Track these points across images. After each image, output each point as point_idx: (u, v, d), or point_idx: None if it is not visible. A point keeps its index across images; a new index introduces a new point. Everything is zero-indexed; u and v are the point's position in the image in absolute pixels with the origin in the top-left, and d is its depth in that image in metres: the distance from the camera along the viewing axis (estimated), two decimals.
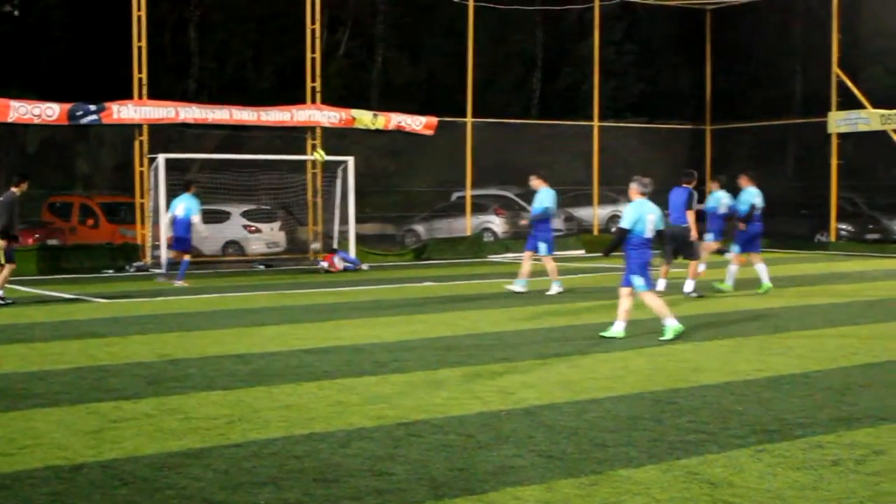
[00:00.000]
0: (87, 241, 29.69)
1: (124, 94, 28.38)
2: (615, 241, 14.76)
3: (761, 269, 20.84)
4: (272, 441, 8.52)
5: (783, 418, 9.32)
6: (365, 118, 31.78)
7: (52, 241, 29.49)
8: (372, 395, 10.45)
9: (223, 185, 29.34)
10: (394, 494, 7.10)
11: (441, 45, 44.18)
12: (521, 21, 44.10)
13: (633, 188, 14.67)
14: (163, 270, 24.40)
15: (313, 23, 31.10)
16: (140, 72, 28.28)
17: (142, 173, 28.13)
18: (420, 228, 35.75)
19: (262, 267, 28.54)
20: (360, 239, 29.92)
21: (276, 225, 31.69)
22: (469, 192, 34.33)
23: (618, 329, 14.39)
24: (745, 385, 10.96)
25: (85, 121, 27.64)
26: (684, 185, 20.09)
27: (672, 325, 14.29)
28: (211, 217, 29.24)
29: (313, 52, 31.08)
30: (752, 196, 20.93)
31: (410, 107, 34.84)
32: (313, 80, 31.04)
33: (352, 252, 28.29)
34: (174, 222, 23.49)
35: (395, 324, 16.11)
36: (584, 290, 21.42)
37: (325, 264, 26.48)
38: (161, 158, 26.67)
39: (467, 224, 34.39)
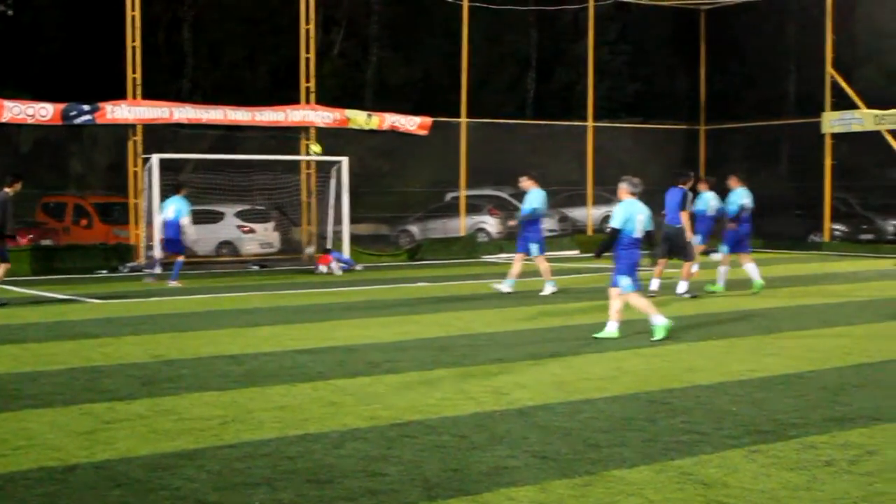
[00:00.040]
0: (80, 241, 29.66)
1: (118, 94, 28.35)
2: (606, 241, 14.74)
3: (751, 269, 20.88)
4: (266, 442, 8.51)
5: (777, 419, 9.33)
6: (359, 118, 31.77)
7: (46, 242, 29.46)
8: (366, 395, 10.45)
9: (217, 186, 29.32)
10: (387, 495, 7.10)
11: (435, 45, 44.19)
12: (515, 21, 44.11)
13: (623, 188, 14.68)
14: (151, 271, 24.35)
15: (307, 23, 31.07)
16: (134, 72, 28.26)
17: (136, 173, 28.10)
18: (414, 229, 35.73)
19: (256, 267, 28.51)
20: (355, 239, 29.91)
21: (271, 225, 31.67)
22: (463, 193, 34.33)
23: (611, 330, 14.39)
24: (739, 385, 10.96)
25: (79, 121, 27.62)
26: (679, 186, 20.11)
27: (661, 323, 14.28)
28: (205, 217, 29.25)
29: (307, 52, 31.05)
30: (740, 197, 20.99)
31: (405, 107, 34.85)
32: (307, 80, 31.02)
33: (346, 252, 28.27)
34: (165, 224, 23.49)
35: (389, 324, 16.10)
36: (578, 291, 21.42)
37: (323, 268, 26.41)
38: (155, 159, 26.64)
39: (461, 224, 34.39)
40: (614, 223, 14.39)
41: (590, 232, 36.29)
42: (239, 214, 31.16)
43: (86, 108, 27.34)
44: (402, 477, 7.50)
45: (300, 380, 11.26)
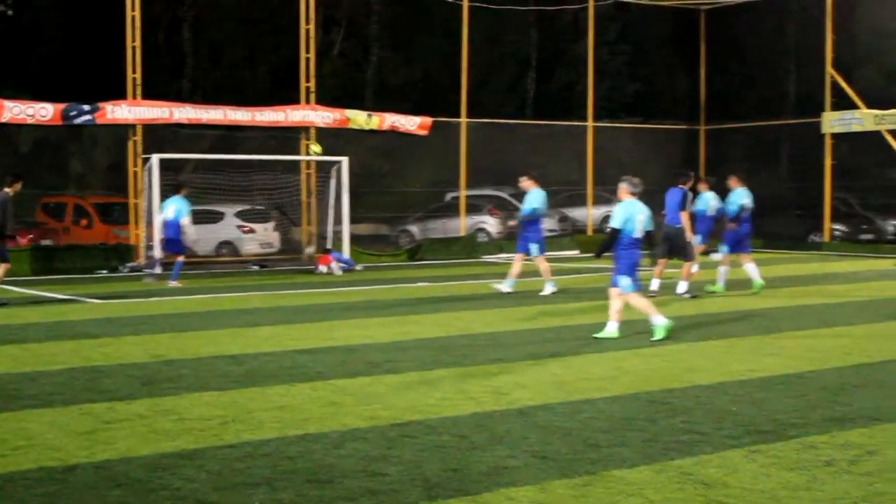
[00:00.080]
0: (80, 241, 29.64)
1: (118, 94, 28.35)
2: (606, 241, 14.72)
3: (751, 269, 20.90)
4: (266, 442, 8.51)
5: (777, 419, 9.33)
6: (359, 118, 31.77)
7: (46, 242, 29.45)
8: (365, 395, 10.45)
9: (217, 186, 29.31)
10: (387, 495, 7.10)
11: (435, 45, 44.17)
12: (515, 21, 44.10)
13: (623, 188, 14.67)
14: (151, 271, 24.33)
15: (308, 23, 31.07)
16: (134, 72, 28.26)
17: (135, 173, 28.10)
18: (414, 229, 35.73)
19: (256, 267, 28.50)
20: (355, 239, 29.90)
21: (271, 225, 31.66)
22: (463, 193, 34.33)
23: (611, 330, 14.38)
24: (739, 385, 10.96)
25: (79, 121, 27.62)
26: (679, 186, 20.10)
27: (661, 323, 14.28)
28: (205, 217, 29.24)
29: (307, 52, 31.05)
30: (740, 197, 21.00)
31: (405, 107, 34.85)
32: (308, 80, 31.02)
33: (346, 252, 28.27)
34: (165, 224, 23.50)
35: (389, 324, 16.10)
36: (578, 291, 21.42)
37: (323, 268, 26.39)
38: (155, 159, 26.63)
39: (461, 224, 34.38)
40: (614, 223, 14.39)
41: (590, 232, 36.29)
42: (239, 214, 31.15)
43: (86, 108, 27.35)
44: (402, 477, 7.49)
45: (300, 380, 11.26)
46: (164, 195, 24.94)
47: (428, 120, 32.87)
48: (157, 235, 24.79)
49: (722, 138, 39.36)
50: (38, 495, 7.10)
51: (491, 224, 35.87)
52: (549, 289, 20.69)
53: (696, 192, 21.43)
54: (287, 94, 32.18)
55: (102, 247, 28.29)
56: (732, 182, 21.31)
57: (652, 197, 23.45)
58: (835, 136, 35.04)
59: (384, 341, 14.19)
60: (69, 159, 37.67)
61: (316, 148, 28.62)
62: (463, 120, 33.99)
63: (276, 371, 11.84)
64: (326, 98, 32.66)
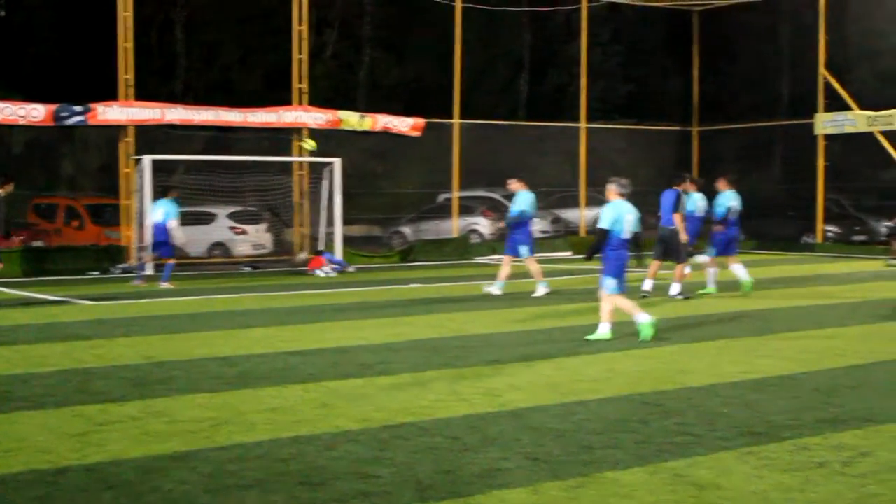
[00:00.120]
0: (72, 242, 29.54)
1: (110, 94, 28.29)
2: (596, 242, 14.67)
3: (739, 270, 20.95)
4: (258, 444, 8.49)
5: (770, 420, 9.32)
6: (352, 119, 31.75)
7: (37, 243, 29.37)
8: (358, 397, 10.43)
9: (209, 187, 29.24)
10: (380, 497, 7.08)
11: (428, 46, 44.11)
12: (508, 22, 44.08)
13: (612, 189, 14.67)
14: (140, 273, 24.23)
15: (300, 24, 31.05)
16: (126, 73, 28.20)
17: (127, 175, 28.04)
18: (407, 230, 35.71)
19: (248, 269, 28.45)
20: (347, 240, 29.88)
21: (263, 227, 31.61)
22: (456, 194, 34.31)
23: (603, 331, 14.37)
24: (732, 387, 10.96)
25: (70, 122, 27.56)
26: (674, 188, 20.09)
27: (646, 321, 14.26)
28: (197, 219, 29.19)
29: (300, 53, 31.03)
30: (728, 199, 21.05)
31: (397, 108, 34.82)
32: (300, 81, 31.00)
33: (338, 254, 28.25)
34: (154, 227, 23.41)
35: (382, 326, 16.08)
36: (571, 292, 21.41)
37: (320, 273, 26.33)
38: (147, 160, 26.60)
39: (454, 226, 34.37)
40: (603, 224, 14.38)
41: (583, 233, 36.27)
42: (231, 216, 31.10)
43: (77, 109, 27.29)
44: (394, 479, 7.48)
45: (292, 381, 11.24)
46: (156, 196, 24.88)
47: (421, 121, 32.87)
48: (146, 238, 24.69)
49: (715, 140, 39.39)
50: (28, 498, 7.08)
51: (483, 225, 35.86)
52: (541, 290, 20.69)
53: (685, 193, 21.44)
54: (280, 96, 32.14)
55: (94, 248, 28.22)
56: (721, 184, 21.35)
57: (645, 198, 23.48)
58: (828, 137, 35.09)
59: (376, 343, 14.18)
60: (61, 160, 37.60)
61: (308, 145, 28.51)
62: (456, 121, 33.98)
63: (268, 373, 11.82)
64: (319, 99, 32.63)
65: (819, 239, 35.31)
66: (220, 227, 30.88)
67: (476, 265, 30.25)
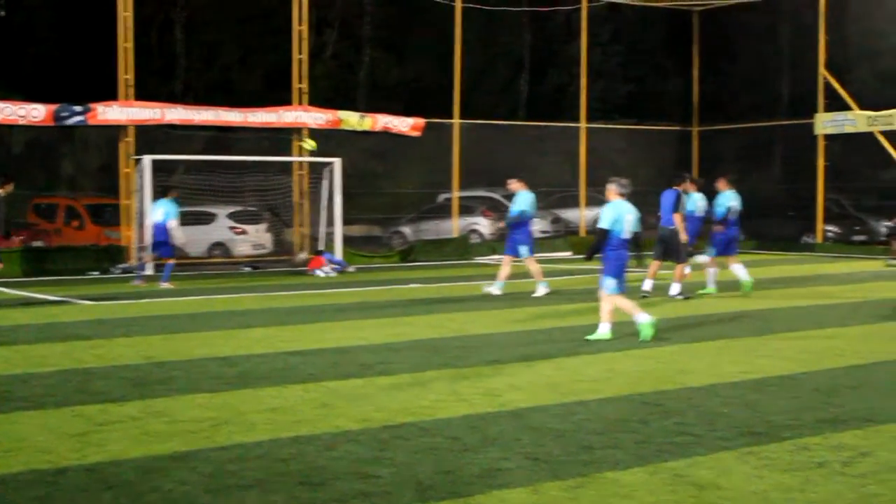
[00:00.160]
0: (72, 242, 29.52)
1: (110, 94, 28.28)
2: (596, 242, 14.64)
3: (739, 270, 20.96)
4: (258, 444, 8.49)
5: (770, 420, 9.32)
6: (352, 119, 31.74)
7: (37, 243, 29.36)
8: (358, 397, 10.42)
9: (209, 187, 29.23)
10: (380, 497, 7.08)
11: (428, 46, 44.09)
12: (508, 22, 44.07)
13: (612, 189, 14.66)
14: (140, 273, 24.17)
15: (300, 24, 31.05)
16: (126, 73, 28.20)
17: (127, 175, 28.03)
18: (407, 230, 35.70)
19: (248, 269, 28.45)
20: (347, 240, 29.86)
21: (263, 227, 31.60)
22: (456, 194, 34.31)
23: (603, 331, 14.36)
24: (732, 387, 10.95)
25: (70, 122, 27.56)
26: (674, 188, 20.08)
27: (646, 321, 14.25)
28: (197, 219, 29.18)
29: (300, 53, 31.03)
30: (728, 199, 21.05)
31: (397, 108, 34.81)
32: (300, 81, 31.00)
33: (338, 254, 28.24)
34: (154, 228, 23.38)
35: (382, 326, 16.08)
36: (571, 292, 21.41)
37: (320, 273, 26.31)
38: (147, 160, 26.59)
39: (454, 226, 34.36)
40: (603, 223, 14.38)
41: (583, 233, 36.26)
42: (231, 216, 31.08)
43: (77, 109, 27.29)
44: (394, 479, 7.48)
45: (292, 381, 11.23)
46: (156, 196, 24.86)
47: (421, 121, 32.86)
48: (146, 238, 24.65)
49: (715, 140, 39.38)
50: (28, 498, 7.08)
51: (484, 225, 35.84)
52: (541, 290, 20.68)
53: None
54: (280, 96, 32.13)
55: (94, 248, 28.20)
56: (721, 184, 21.36)
57: (645, 198, 23.46)
58: (828, 137, 35.08)
59: (377, 343, 14.17)
60: (61, 160, 37.58)
61: (308, 145, 28.48)
62: (456, 121, 33.98)
63: (268, 373, 11.81)
64: (319, 99, 32.62)
65: (819, 239, 35.30)
66: (220, 227, 30.86)
67: (476, 265, 30.23)
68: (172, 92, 39.55)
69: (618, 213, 14.35)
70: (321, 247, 28.46)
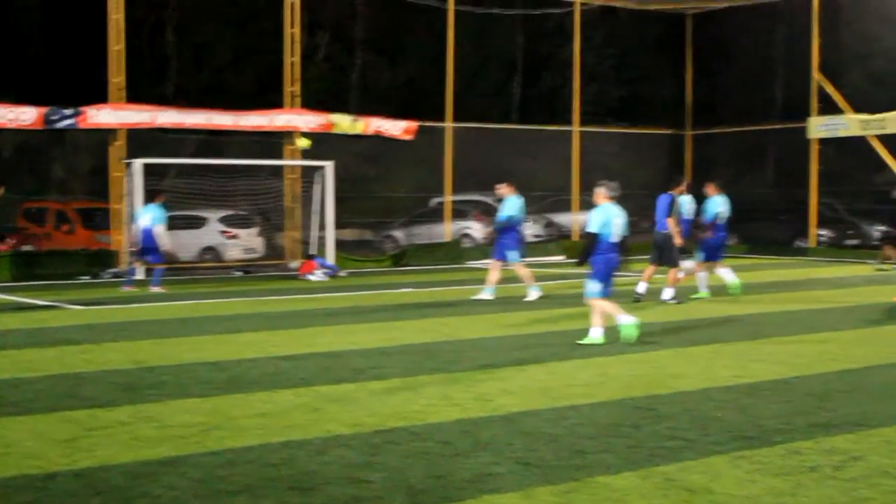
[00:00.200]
0: (62, 246, 29.45)
1: (101, 97, 28.22)
2: (587, 247, 14.56)
3: (726, 273, 20.96)
4: (248, 449, 8.45)
5: (762, 424, 9.30)
6: (344, 123, 31.71)
7: (27, 247, 29.28)
8: (349, 402, 10.38)
9: (200, 191, 29.14)
10: (371, 502, 7.05)
11: (421, 49, 44.10)
12: (501, 25, 44.06)
13: (601, 192, 14.61)
14: (130, 277, 23.97)
15: (293, 26, 31.03)
16: (117, 75, 28.14)
17: (118, 178, 27.94)
18: (399, 234, 35.67)
19: (239, 273, 28.40)
20: (339, 245, 29.82)
21: (254, 231, 31.53)
22: (448, 198, 34.28)
23: (595, 335, 14.33)
24: (724, 391, 10.93)
25: (61, 125, 27.48)
26: (669, 192, 20.05)
27: (629, 322, 14.20)
28: (188, 223, 29.11)
29: (292, 55, 31.01)
30: (717, 205, 21.05)
31: (390, 111, 34.77)
32: (292, 84, 30.96)
33: (330, 258, 28.20)
34: (142, 233, 23.19)
35: (374, 330, 16.05)
36: (563, 297, 21.38)
37: (311, 277, 26.27)
38: (137, 163, 26.53)
39: (446, 230, 34.33)
40: (592, 227, 14.34)
41: (575, 237, 36.24)
42: (222, 220, 31.01)
43: (68, 112, 27.21)
44: (385, 484, 7.44)
45: (283, 386, 11.19)
46: (148, 200, 24.77)
47: (413, 124, 32.84)
48: (132, 244, 24.53)
49: (708, 143, 39.42)
50: (17, 503, 7.03)
51: (476, 229, 35.80)
52: (533, 294, 20.64)
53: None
54: (272, 98, 32.10)
55: (84, 252, 28.12)
56: (710, 189, 21.36)
57: (639, 202, 23.48)
58: (821, 141, 35.12)
59: (368, 347, 14.13)
60: (51, 164, 37.50)
61: (302, 143, 28.40)
62: (448, 124, 33.96)
63: (258, 377, 11.77)
64: (311, 102, 32.57)
65: (812, 243, 35.32)
66: (212, 232, 30.79)
67: (468, 269, 30.20)
68: (164, 95, 39.47)
69: (606, 217, 14.31)
70: (313, 251, 28.41)
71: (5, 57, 39.80)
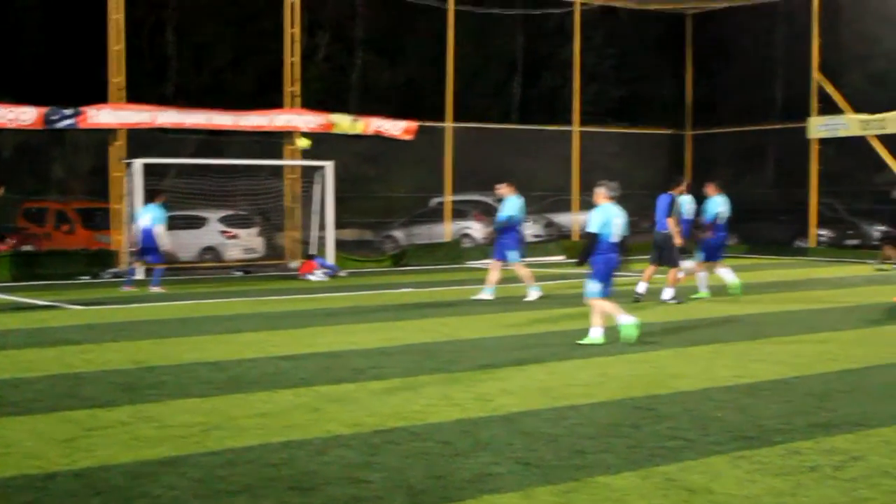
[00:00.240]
0: (62, 246, 29.44)
1: (101, 97, 28.21)
2: (587, 247, 14.54)
3: (726, 274, 20.96)
4: (248, 449, 8.44)
5: (762, 424, 9.29)
6: (344, 123, 31.70)
7: (27, 247, 29.27)
8: (349, 402, 10.38)
9: (200, 191, 29.12)
10: (371, 502, 7.05)
11: (421, 49, 44.09)
12: (501, 25, 44.04)
13: (601, 192, 14.60)
14: (130, 277, 23.93)
15: (293, 26, 31.02)
16: (117, 75, 28.13)
17: (118, 178, 27.93)
18: (399, 234, 35.66)
19: (239, 273, 28.40)
20: (339, 245, 29.81)
21: (254, 231, 31.52)
22: (448, 198, 34.27)
23: (595, 335, 14.32)
24: (725, 391, 10.93)
25: (61, 125, 27.47)
26: (669, 192, 20.05)
27: (629, 322, 14.20)
28: (188, 223, 29.10)
29: (292, 55, 31.00)
30: (716, 205, 21.05)
31: (390, 111, 34.77)
32: (292, 84, 30.96)
33: (330, 258, 28.19)
34: (142, 233, 23.17)
35: (374, 330, 16.04)
36: (564, 297, 21.37)
37: (311, 277, 26.26)
38: (137, 163, 26.52)
39: (446, 230, 34.32)
40: (592, 227, 14.34)
41: (576, 237, 36.23)
42: (222, 220, 31.00)
43: (68, 112, 27.20)
44: (385, 484, 7.44)
45: (283, 386, 11.19)
46: (148, 200, 24.76)
47: (413, 124, 32.83)
48: (132, 244, 24.52)
49: (708, 143, 39.41)
50: (17, 503, 7.02)
51: (476, 229, 35.78)
52: (533, 294, 20.64)
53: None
54: (272, 98, 32.09)
55: (84, 252, 28.11)
56: (710, 189, 21.34)
57: (639, 202, 23.46)
58: (821, 141, 35.11)
59: (368, 347, 14.13)
60: (51, 164, 37.48)
61: (302, 143, 28.39)
62: (448, 124, 33.95)
63: (258, 377, 11.77)
64: (311, 102, 32.56)
65: (812, 243, 35.31)
66: (212, 232, 30.78)
67: (468, 269, 30.19)
68: (164, 95, 39.46)
69: (606, 217, 14.31)
70: (313, 251, 28.40)
71: (5, 57, 39.78)
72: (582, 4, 36.90)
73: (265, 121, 30.40)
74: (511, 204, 20.75)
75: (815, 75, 34.98)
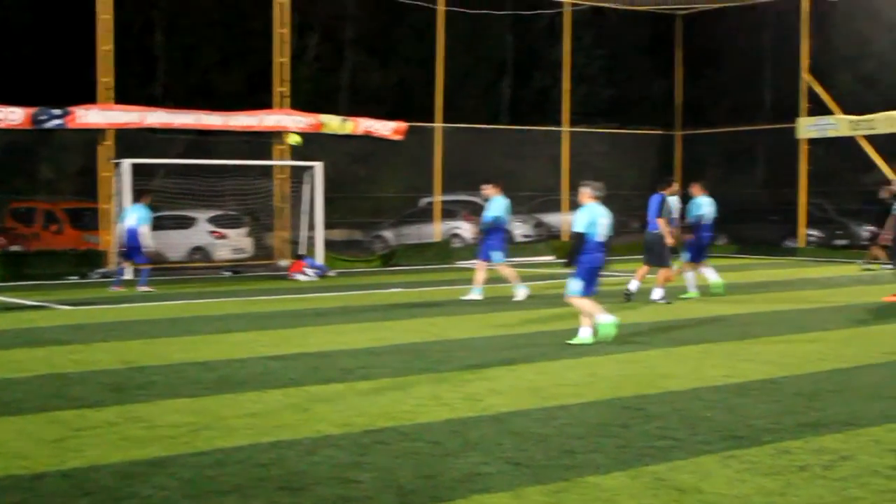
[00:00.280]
0: (50, 247, 29.38)
1: (89, 98, 28.15)
2: (574, 247, 14.54)
3: (708, 272, 21.01)
4: (238, 449, 8.43)
5: (751, 424, 9.30)
6: (333, 123, 31.68)
7: (15, 248, 29.19)
8: (339, 402, 10.37)
9: (189, 191, 29.07)
10: (360, 502, 7.04)
11: (410, 49, 44.08)
12: (491, 25, 44.06)
13: (586, 192, 14.61)
14: (119, 278, 23.86)
15: (282, 27, 30.98)
16: (106, 75, 28.07)
17: (107, 179, 27.86)
18: (388, 234, 35.65)
19: (228, 273, 28.36)
20: (328, 245, 29.79)
21: (243, 231, 31.48)
22: (438, 198, 34.26)
23: (584, 335, 14.32)
24: (714, 391, 10.94)
25: (49, 125, 27.39)
26: (659, 192, 20.06)
27: (607, 321, 14.19)
28: (177, 223, 29.05)
29: (282, 56, 30.96)
30: (700, 206, 21.07)
31: (379, 111, 34.76)
32: (281, 84, 30.92)
33: (320, 258, 28.17)
34: (127, 233, 23.11)
35: (363, 330, 16.03)
36: (553, 297, 21.35)
37: (301, 277, 26.23)
38: (126, 164, 26.46)
39: (436, 230, 34.31)
40: (578, 227, 14.35)
41: (565, 238, 36.24)
42: (211, 220, 30.96)
43: (56, 112, 27.13)
44: (375, 484, 7.43)
45: (273, 386, 11.17)
46: (136, 200, 24.69)
47: (403, 125, 32.81)
48: (118, 244, 24.45)
49: (697, 144, 39.46)
50: None
51: (465, 229, 35.77)
52: (521, 293, 20.64)
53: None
54: (261, 99, 32.04)
55: (72, 253, 28.05)
56: (695, 190, 21.36)
57: (629, 202, 23.49)
58: (810, 141, 35.19)
59: (358, 347, 14.12)
60: (39, 164, 37.38)
61: (293, 140, 28.34)
62: (438, 125, 33.94)
63: (248, 377, 11.75)
64: (301, 102, 32.53)
65: (801, 243, 35.37)
66: (200, 232, 30.74)
67: (457, 269, 30.18)
68: (152, 95, 39.40)
69: (592, 217, 14.32)
70: (302, 251, 28.36)
71: None
72: (572, 5, 36.92)
73: (254, 121, 30.36)
74: (497, 204, 20.76)
75: (805, 76, 35.06)
